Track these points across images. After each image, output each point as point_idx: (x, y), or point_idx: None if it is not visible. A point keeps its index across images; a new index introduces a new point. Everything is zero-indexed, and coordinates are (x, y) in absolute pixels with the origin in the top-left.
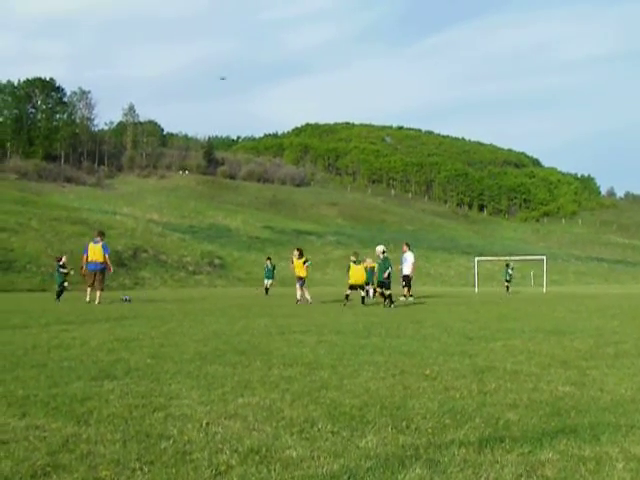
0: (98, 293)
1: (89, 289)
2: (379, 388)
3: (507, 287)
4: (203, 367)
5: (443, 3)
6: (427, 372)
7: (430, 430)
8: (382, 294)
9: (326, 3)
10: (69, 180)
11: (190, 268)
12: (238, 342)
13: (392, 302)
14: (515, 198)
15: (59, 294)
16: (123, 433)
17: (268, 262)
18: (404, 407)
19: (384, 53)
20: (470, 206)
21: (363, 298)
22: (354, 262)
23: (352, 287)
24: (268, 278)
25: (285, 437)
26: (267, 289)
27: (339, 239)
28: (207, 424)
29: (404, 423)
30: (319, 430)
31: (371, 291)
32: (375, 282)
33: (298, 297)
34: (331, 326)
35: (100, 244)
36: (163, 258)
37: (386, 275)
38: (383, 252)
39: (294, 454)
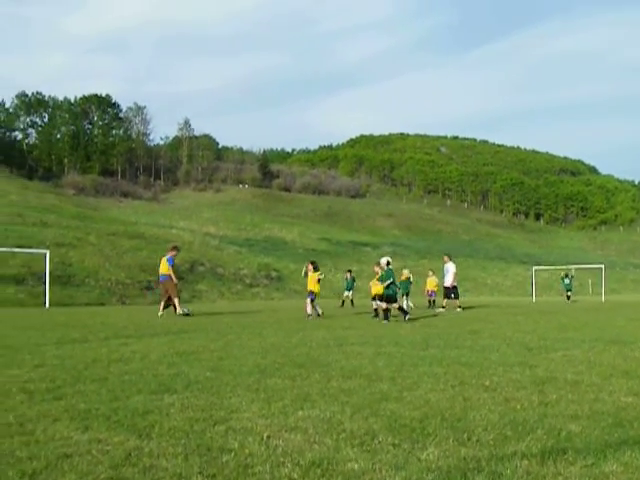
0: (175, 301)
1: (162, 302)
2: (439, 400)
3: (568, 296)
4: (262, 380)
5: (497, 11)
6: (487, 383)
7: (492, 442)
8: (386, 308)
9: (380, 14)
10: (126, 195)
11: (247, 281)
12: (296, 355)
13: (386, 318)
14: (572, 206)
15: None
16: (184, 447)
17: (348, 274)
18: (465, 419)
19: (438, 62)
20: (526, 215)
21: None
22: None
23: (375, 298)
24: (348, 290)
25: (346, 450)
26: (351, 300)
27: (395, 250)
28: (268, 437)
29: (465, 435)
30: (380, 442)
31: (407, 303)
32: (400, 294)
33: (308, 312)
34: (389, 338)
35: (166, 257)
36: (220, 271)
37: (385, 285)
38: (387, 264)
39: (355, 467)
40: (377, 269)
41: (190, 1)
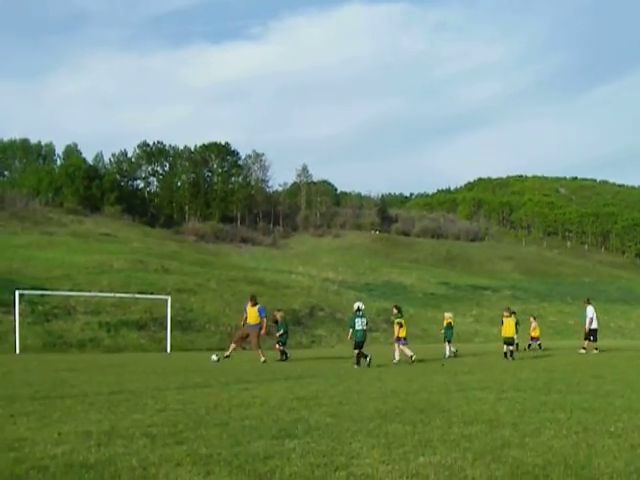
0: (259, 351)
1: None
2: (562, 446)
3: None
4: (383, 425)
5: (615, 50)
6: (612, 429)
7: None
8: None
9: (495, 57)
10: (245, 241)
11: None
12: (417, 400)
13: (357, 363)
14: None
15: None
16: None
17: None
18: (589, 466)
19: (555, 103)
20: None
21: (508, 353)
22: (507, 316)
23: (506, 342)
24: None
25: None
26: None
27: (515, 293)
28: None
29: None
30: None
31: (449, 348)
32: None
33: (396, 357)
34: (510, 382)
35: (257, 307)
36: (339, 316)
37: (349, 334)
38: (358, 309)
39: None
40: (506, 314)
41: (309, 49)
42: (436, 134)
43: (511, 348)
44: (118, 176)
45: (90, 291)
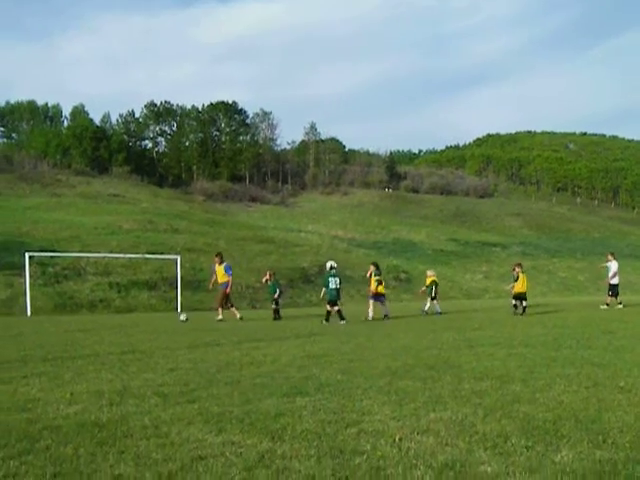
0: (219, 310)
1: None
2: (572, 401)
3: None
4: (393, 382)
5: (622, 4)
6: (622, 384)
7: (628, 445)
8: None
9: (506, 11)
10: (254, 200)
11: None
12: (427, 356)
13: (326, 319)
14: None
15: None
16: (317, 449)
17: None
18: (599, 421)
19: (564, 58)
20: None
21: (521, 308)
22: (520, 272)
23: (516, 297)
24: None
25: (479, 452)
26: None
27: (525, 250)
28: (400, 439)
29: (600, 437)
30: (513, 445)
31: (430, 305)
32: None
33: (370, 314)
34: (520, 338)
35: (223, 265)
36: (349, 274)
37: (322, 292)
38: (331, 267)
39: (489, 469)
40: (519, 269)
41: (317, 4)
42: (445, 90)
43: (524, 304)
44: (126, 137)
45: (100, 252)
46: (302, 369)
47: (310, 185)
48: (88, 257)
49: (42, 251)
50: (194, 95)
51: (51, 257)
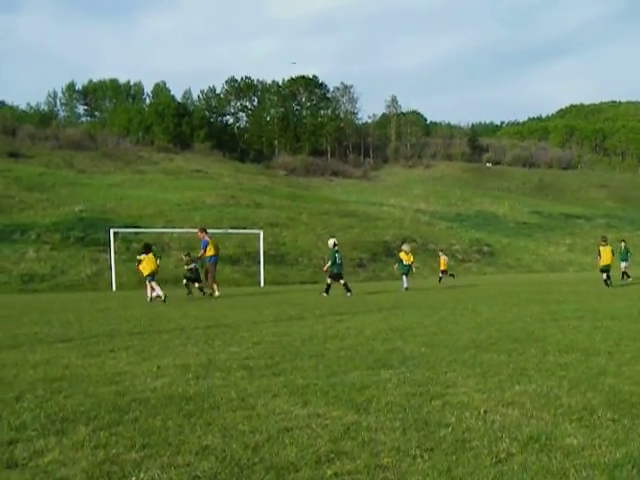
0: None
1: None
2: None
3: None
4: (478, 355)
5: None
6: None
7: None
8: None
9: None
10: (336, 174)
11: (459, 256)
12: (511, 329)
13: (326, 291)
14: None
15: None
16: (402, 421)
17: (623, 244)
18: None
19: None
20: None
21: (606, 281)
22: (603, 245)
23: (602, 270)
24: (623, 261)
25: (564, 425)
26: (624, 273)
27: (609, 222)
28: (485, 412)
29: None
30: (599, 418)
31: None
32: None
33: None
34: (605, 311)
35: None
36: (432, 247)
37: (325, 267)
38: (334, 245)
39: (574, 442)
40: (603, 243)
41: None
42: (527, 61)
43: (609, 275)
44: (207, 112)
45: (183, 227)
46: (386, 342)
47: (392, 158)
48: (172, 232)
49: (126, 227)
50: (274, 70)
51: (135, 233)
